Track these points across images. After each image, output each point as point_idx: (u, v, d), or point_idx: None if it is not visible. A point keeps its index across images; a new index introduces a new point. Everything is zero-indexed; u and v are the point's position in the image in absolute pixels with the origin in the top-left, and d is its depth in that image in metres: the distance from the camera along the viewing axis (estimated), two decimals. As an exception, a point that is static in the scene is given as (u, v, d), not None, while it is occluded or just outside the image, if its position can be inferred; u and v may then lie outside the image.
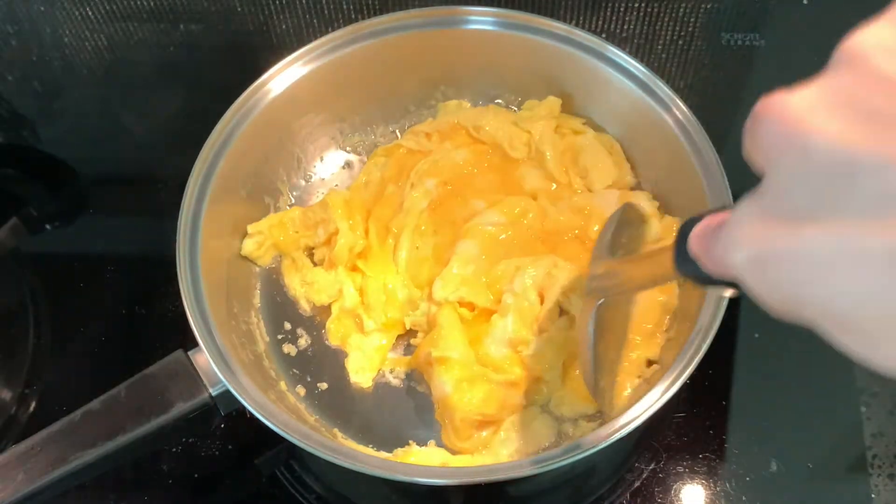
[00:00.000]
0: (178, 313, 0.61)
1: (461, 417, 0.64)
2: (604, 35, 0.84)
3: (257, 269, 0.74)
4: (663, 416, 0.68)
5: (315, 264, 0.74)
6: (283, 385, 0.68)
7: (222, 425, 0.69)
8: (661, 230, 0.71)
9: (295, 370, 0.70)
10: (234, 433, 0.69)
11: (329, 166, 0.81)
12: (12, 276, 0.81)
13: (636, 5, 0.92)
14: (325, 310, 0.73)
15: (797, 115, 0.29)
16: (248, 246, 0.73)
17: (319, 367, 0.71)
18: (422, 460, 0.64)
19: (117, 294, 0.78)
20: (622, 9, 0.92)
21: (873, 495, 0.65)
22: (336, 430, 0.67)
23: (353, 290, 0.72)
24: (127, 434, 0.56)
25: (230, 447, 0.69)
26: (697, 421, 0.69)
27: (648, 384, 0.62)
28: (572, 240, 0.71)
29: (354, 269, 0.73)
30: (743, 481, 0.66)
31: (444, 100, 0.82)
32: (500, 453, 0.64)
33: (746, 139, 0.32)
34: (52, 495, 0.55)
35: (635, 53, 0.73)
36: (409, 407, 0.69)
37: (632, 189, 0.75)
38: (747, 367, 0.71)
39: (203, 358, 0.59)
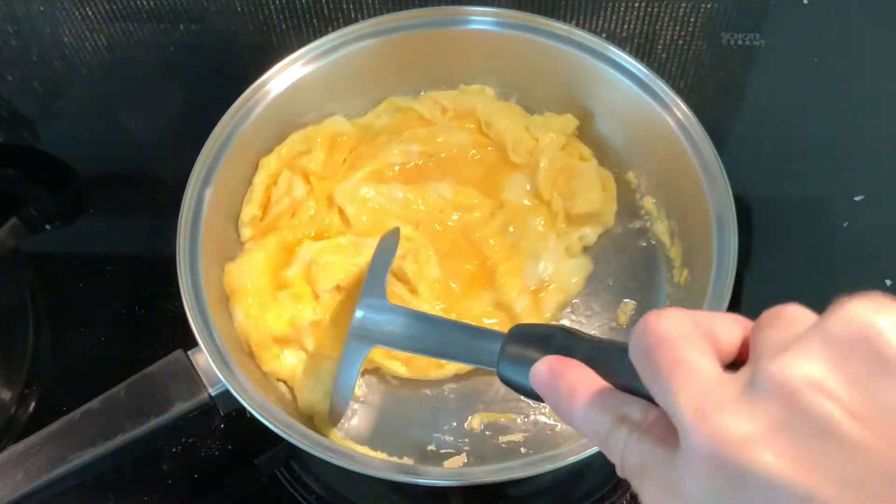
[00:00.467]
0: (178, 313, 0.61)
1: (255, 342, 0.66)
2: (604, 35, 0.84)
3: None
4: (663, 416, 0.68)
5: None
6: (282, 385, 0.68)
7: (222, 425, 0.69)
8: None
9: (295, 370, 0.70)
10: (234, 433, 0.69)
11: (329, 166, 0.81)
12: (12, 276, 0.80)
13: (636, 5, 0.92)
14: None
15: (737, 436, 0.27)
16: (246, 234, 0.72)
17: (319, 367, 0.71)
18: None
19: (117, 294, 0.78)
20: (622, 9, 0.92)
21: (873, 495, 0.65)
22: (336, 430, 0.67)
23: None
24: (126, 433, 0.56)
25: (230, 447, 0.69)
26: (697, 421, 0.69)
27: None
28: (477, 267, 0.72)
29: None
30: (743, 481, 0.66)
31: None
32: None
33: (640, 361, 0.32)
34: (52, 494, 0.55)
35: (635, 53, 0.73)
36: (409, 407, 0.68)
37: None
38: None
39: (203, 358, 0.59)
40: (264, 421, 0.57)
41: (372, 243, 0.66)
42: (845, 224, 0.78)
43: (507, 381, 0.43)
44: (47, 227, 0.85)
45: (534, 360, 0.38)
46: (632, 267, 0.73)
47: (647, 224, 0.75)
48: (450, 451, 0.66)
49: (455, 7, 0.75)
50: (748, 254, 0.73)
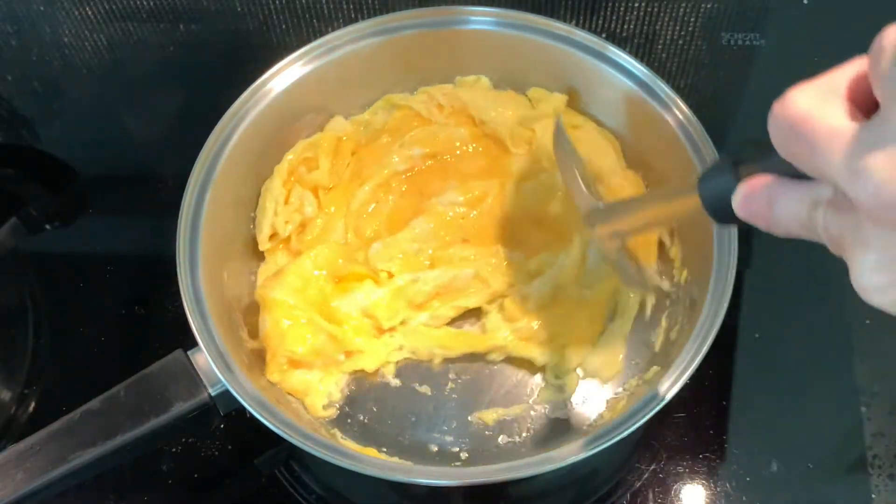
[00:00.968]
0: (178, 313, 0.61)
1: (272, 352, 0.66)
2: (604, 35, 0.84)
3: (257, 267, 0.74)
4: (663, 416, 0.68)
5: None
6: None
7: (222, 425, 0.69)
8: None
9: (295, 370, 0.70)
10: (234, 433, 0.69)
11: (329, 166, 0.81)
12: (12, 276, 0.81)
13: (636, 5, 0.92)
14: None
15: None
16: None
17: (319, 367, 0.71)
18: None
19: (117, 294, 0.78)
20: (622, 9, 0.92)
21: (873, 495, 0.65)
22: (336, 431, 0.67)
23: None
24: (126, 433, 0.56)
25: (230, 447, 0.69)
26: (697, 421, 0.69)
27: (649, 385, 0.62)
28: (529, 222, 0.73)
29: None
30: (743, 481, 0.66)
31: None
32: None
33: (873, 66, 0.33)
34: (52, 494, 0.55)
35: (635, 53, 0.72)
36: (409, 407, 0.69)
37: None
38: (747, 367, 0.71)
39: (203, 358, 0.59)
40: (264, 421, 0.57)
41: (428, 275, 0.70)
42: (845, 224, 0.78)
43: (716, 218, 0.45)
44: (47, 227, 0.85)
45: (731, 190, 0.41)
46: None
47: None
48: (450, 450, 0.66)
49: (455, 7, 0.75)
50: (748, 254, 0.73)
